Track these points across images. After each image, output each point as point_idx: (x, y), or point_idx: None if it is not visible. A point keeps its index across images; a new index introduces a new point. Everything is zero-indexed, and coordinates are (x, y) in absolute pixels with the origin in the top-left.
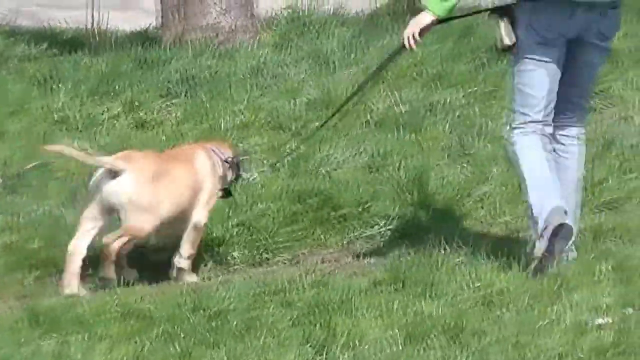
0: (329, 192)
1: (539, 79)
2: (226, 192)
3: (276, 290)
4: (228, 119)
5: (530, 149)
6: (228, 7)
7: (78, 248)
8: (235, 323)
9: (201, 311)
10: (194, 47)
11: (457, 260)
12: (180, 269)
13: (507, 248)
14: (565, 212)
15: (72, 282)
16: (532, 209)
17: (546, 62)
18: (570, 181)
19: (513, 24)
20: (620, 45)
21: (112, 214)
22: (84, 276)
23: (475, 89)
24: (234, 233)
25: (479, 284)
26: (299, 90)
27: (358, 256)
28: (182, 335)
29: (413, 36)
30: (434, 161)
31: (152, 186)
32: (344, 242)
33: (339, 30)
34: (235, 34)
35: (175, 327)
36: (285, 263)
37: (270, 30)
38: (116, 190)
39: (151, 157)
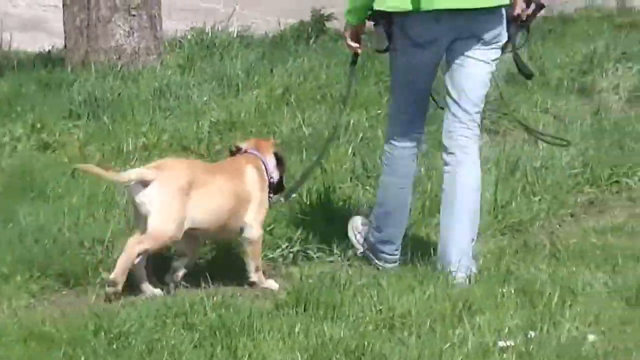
0: None
1: (410, 77)
2: (278, 189)
3: (178, 313)
4: (131, 140)
5: (395, 172)
6: (132, 29)
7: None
8: (137, 345)
9: (103, 333)
10: (98, 69)
11: (360, 282)
12: (253, 283)
13: (411, 271)
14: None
15: (142, 282)
16: (374, 223)
17: (417, 62)
18: (460, 192)
19: (390, 28)
20: None
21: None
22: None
23: (380, 111)
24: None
25: (381, 307)
26: (203, 112)
27: None
28: (84, 358)
29: (351, 45)
30: (337, 183)
31: (180, 195)
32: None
33: (243, 53)
34: (139, 56)
35: (77, 350)
36: (187, 285)
37: (174, 52)
38: (143, 199)
39: (186, 167)
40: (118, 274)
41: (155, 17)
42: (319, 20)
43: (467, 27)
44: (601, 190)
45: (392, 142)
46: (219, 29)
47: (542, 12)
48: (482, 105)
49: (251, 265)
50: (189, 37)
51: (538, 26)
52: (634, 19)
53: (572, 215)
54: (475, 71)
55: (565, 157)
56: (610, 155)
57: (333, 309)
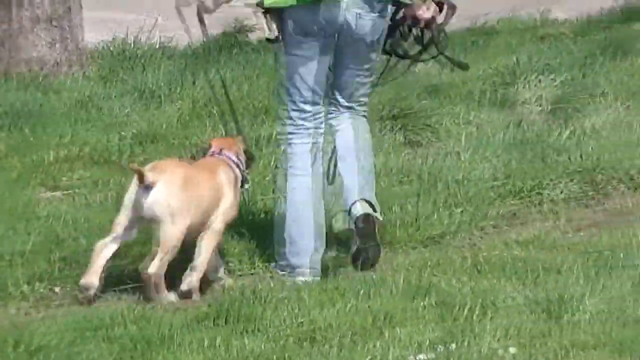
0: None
1: (303, 70)
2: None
3: (98, 326)
4: (52, 152)
5: (299, 172)
6: (53, 41)
7: (105, 249)
8: (57, 359)
9: (22, 347)
10: (20, 80)
11: (281, 295)
12: (194, 267)
13: (332, 284)
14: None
15: (92, 276)
16: (285, 242)
17: (309, 54)
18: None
19: (279, 17)
20: (447, 80)
21: (141, 224)
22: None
23: None
24: (57, 268)
25: (303, 320)
26: (125, 124)
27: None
28: None
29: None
30: (259, 195)
31: (183, 194)
32: (168, 277)
33: (166, 64)
34: (60, 67)
35: None
36: (108, 298)
37: (96, 63)
38: (152, 203)
39: (179, 166)
40: (162, 299)
41: (77, 28)
42: (242, 32)
43: (348, 25)
44: (523, 202)
45: (291, 139)
46: (142, 40)
47: (468, 23)
48: (367, 91)
49: (203, 254)
50: (111, 48)
51: (461, 37)
52: (557, 30)
53: (494, 227)
54: (361, 81)
55: (488, 169)
56: (532, 167)
57: (254, 321)
